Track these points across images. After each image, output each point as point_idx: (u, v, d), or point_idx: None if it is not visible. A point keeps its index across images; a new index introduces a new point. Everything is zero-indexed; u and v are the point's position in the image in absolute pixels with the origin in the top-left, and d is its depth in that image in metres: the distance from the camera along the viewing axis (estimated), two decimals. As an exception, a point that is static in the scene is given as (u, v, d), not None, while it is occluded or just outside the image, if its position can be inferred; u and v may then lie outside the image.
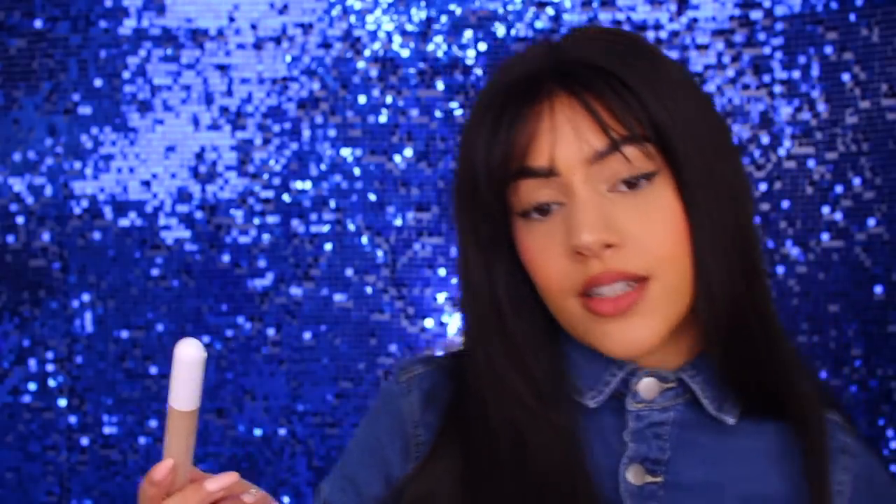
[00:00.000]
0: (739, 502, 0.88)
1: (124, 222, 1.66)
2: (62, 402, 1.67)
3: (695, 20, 1.60)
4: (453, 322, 1.66)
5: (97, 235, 1.66)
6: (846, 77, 1.58)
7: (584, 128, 0.82)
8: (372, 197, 1.64)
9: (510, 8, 1.61)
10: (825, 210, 1.59)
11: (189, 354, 0.73)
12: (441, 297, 1.65)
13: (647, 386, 0.89)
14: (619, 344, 0.84)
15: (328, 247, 1.65)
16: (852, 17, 1.56)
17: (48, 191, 1.65)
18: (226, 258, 1.66)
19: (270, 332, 1.66)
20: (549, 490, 0.87)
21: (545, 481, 0.87)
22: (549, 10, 1.61)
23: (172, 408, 0.74)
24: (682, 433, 0.89)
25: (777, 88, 1.59)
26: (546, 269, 0.85)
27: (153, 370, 1.67)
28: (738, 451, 0.89)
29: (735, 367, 0.87)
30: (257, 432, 1.67)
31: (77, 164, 1.65)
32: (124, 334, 1.67)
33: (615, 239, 0.82)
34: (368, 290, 1.65)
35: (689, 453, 0.89)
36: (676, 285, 0.85)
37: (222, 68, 1.64)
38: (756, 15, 1.59)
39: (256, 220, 1.65)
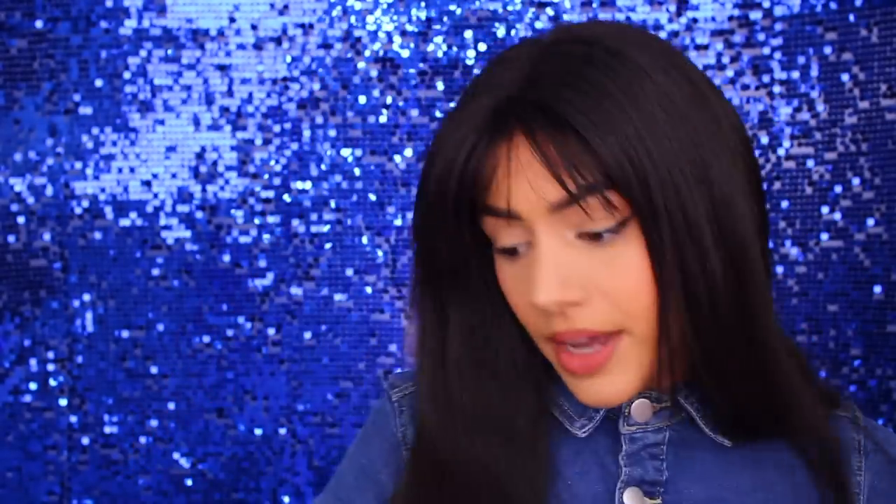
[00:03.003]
0: None
1: (125, 222, 1.66)
2: (63, 402, 1.67)
3: (694, 20, 1.60)
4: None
5: (98, 235, 1.66)
6: (845, 77, 1.58)
7: (540, 177, 0.75)
8: (372, 197, 1.64)
9: (510, 8, 1.61)
10: (824, 210, 1.59)
11: None
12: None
13: (639, 408, 0.85)
14: (592, 399, 0.80)
15: (328, 247, 1.65)
16: (851, 18, 1.57)
17: (49, 191, 1.66)
18: (226, 258, 1.66)
19: (271, 331, 1.66)
20: None
21: None
22: (549, 11, 1.61)
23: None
24: (680, 452, 0.86)
25: (776, 89, 1.59)
26: (519, 311, 0.81)
27: (154, 370, 1.67)
28: (740, 463, 0.85)
29: (728, 392, 0.82)
30: (258, 432, 1.67)
31: (78, 165, 1.65)
32: (125, 334, 1.67)
33: (576, 297, 0.76)
34: (368, 290, 1.65)
35: (688, 472, 0.85)
36: (649, 335, 0.78)
37: (223, 68, 1.64)
38: (755, 15, 1.59)
39: (257, 220, 1.65)
